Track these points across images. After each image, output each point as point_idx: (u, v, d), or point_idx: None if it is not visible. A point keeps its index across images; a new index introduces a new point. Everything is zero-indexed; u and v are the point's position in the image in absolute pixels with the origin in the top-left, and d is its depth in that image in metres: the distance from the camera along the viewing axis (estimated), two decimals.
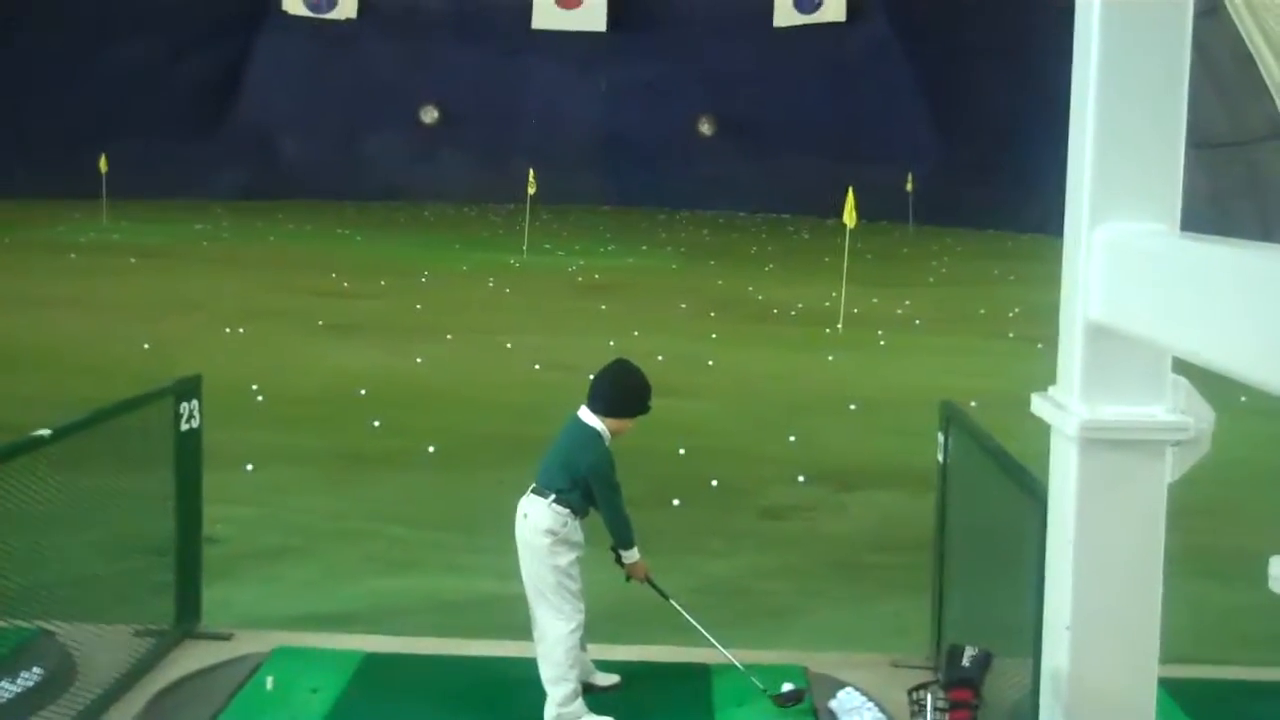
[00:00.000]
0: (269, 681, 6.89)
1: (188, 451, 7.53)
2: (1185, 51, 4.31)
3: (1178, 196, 4.31)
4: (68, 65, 40.46)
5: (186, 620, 7.55)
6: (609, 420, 6.62)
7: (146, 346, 17.09)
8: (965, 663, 4.99)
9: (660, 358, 16.01)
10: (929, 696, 4.97)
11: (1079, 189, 4.40)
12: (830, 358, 18.38)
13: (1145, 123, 4.31)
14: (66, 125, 39.38)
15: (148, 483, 7.30)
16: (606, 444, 6.61)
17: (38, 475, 6.08)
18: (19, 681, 6.59)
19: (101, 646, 6.79)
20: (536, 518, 6.50)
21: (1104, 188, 4.31)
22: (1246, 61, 24.38)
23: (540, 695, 6.65)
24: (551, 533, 6.47)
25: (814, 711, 6.83)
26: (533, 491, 6.60)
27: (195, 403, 7.56)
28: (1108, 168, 4.30)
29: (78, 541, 6.71)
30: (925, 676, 6.55)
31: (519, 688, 6.97)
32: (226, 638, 7.52)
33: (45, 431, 6.07)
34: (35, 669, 6.68)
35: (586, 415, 6.65)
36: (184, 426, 7.45)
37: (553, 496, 6.49)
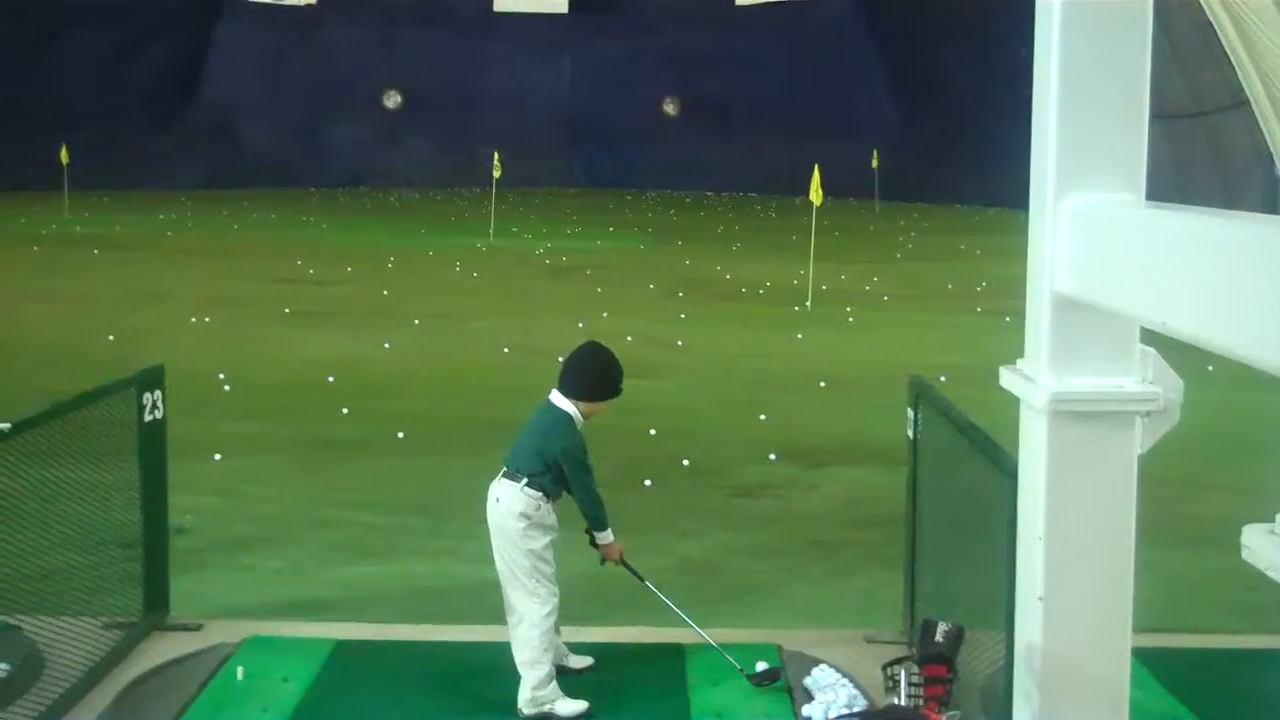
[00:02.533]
0: (240, 671, 6.84)
1: (152, 442, 7.46)
2: (1147, 23, 4.30)
3: (1142, 167, 4.31)
4: (26, 56, 40.10)
5: (155, 612, 7.48)
6: (581, 404, 6.59)
7: (111, 338, 16.96)
8: (938, 638, 4.98)
9: (629, 338, 15.97)
10: (903, 672, 4.96)
11: (1043, 161, 4.38)
12: (799, 335, 18.38)
13: (1109, 94, 4.30)
14: (25, 117, 39.03)
15: (113, 474, 7.23)
16: (579, 427, 6.58)
17: (1, 469, 6.00)
18: None
19: (69, 640, 6.71)
20: (509, 501, 6.46)
21: (1068, 159, 4.30)
22: (1207, 30, 24.44)
23: (514, 679, 6.61)
24: (525, 516, 6.43)
25: (789, 689, 6.82)
26: (504, 475, 6.55)
27: (159, 393, 7.49)
28: (1072, 139, 4.29)
29: (43, 535, 6.63)
30: (899, 651, 6.56)
31: (492, 673, 6.94)
32: (196, 628, 7.46)
33: (4, 425, 5.99)
34: (2, 664, 6.61)
35: (558, 399, 6.61)
36: (148, 417, 7.38)
37: (525, 480, 6.45)
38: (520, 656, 6.53)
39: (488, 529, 6.61)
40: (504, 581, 6.56)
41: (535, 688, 6.50)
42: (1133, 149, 4.29)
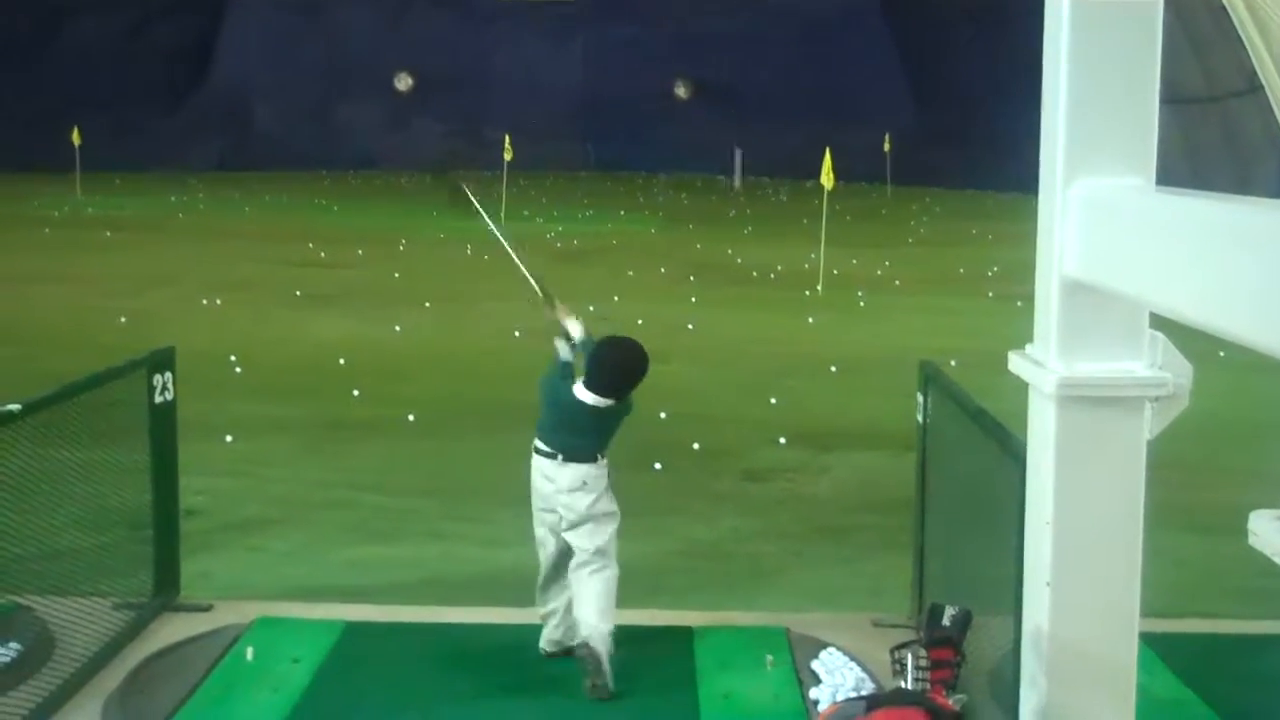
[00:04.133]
0: (249, 652, 6.86)
1: (162, 423, 7.48)
2: (1157, 7, 4.28)
3: (1152, 151, 4.29)
4: (38, 38, 40.11)
5: (165, 592, 7.51)
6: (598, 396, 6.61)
7: (123, 320, 16.99)
8: (946, 622, 4.98)
9: (640, 322, 15.96)
10: (910, 656, 4.96)
11: (1053, 145, 4.37)
12: (810, 319, 18.36)
13: (1118, 78, 4.28)
14: (38, 99, 39.07)
15: (124, 456, 7.25)
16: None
17: (11, 449, 6.03)
18: None
19: (80, 620, 6.75)
20: (565, 477, 6.59)
21: (1078, 144, 4.29)
22: (1220, 14, 24.33)
23: (524, 660, 6.67)
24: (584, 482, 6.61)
25: (797, 671, 6.83)
26: (565, 460, 6.59)
27: (169, 375, 7.50)
28: (1082, 123, 4.28)
29: (55, 515, 6.66)
30: (907, 635, 6.55)
31: (502, 654, 6.97)
32: (206, 609, 7.49)
33: (14, 406, 6.02)
34: (13, 644, 6.64)
35: (581, 393, 6.61)
36: (158, 399, 7.40)
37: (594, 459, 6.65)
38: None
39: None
40: (581, 538, 6.61)
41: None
42: (1143, 134, 4.28)
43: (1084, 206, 4.25)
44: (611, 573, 6.64)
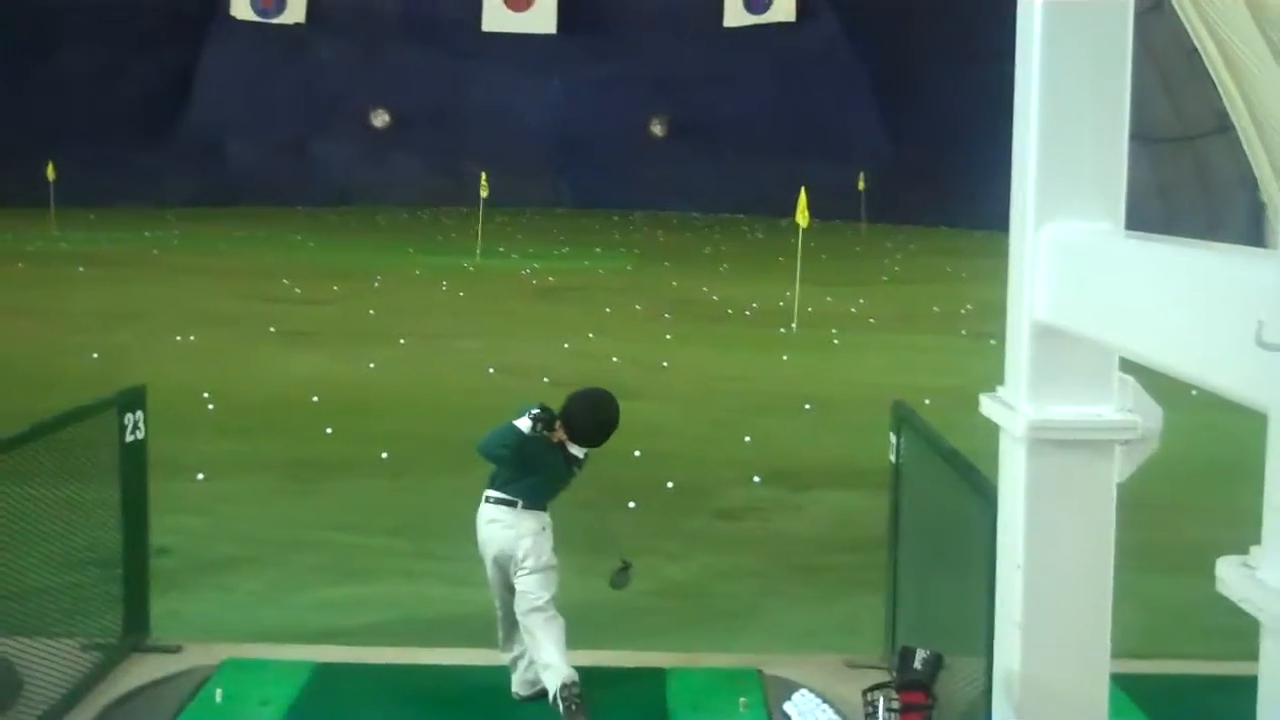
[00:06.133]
0: (218, 694, 6.81)
1: (133, 463, 7.44)
2: (1127, 52, 4.31)
3: (1122, 195, 4.32)
4: (14, 71, 40.05)
5: (135, 633, 7.46)
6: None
7: (95, 356, 16.92)
8: (917, 665, 4.99)
9: (615, 359, 15.98)
10: (882, 698, 4.96)
11: (1023, 189, 4.39)
12: (785, 357, 18.40)
13: (1088, 123, 4.31)
14: (12, 132, 38.93)
15: (94, 494, 7.21)
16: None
17: None
18: None
19: (47, 660, 6.68)
20: (526, 524, 6.66)
21: (1048, 187, 4.31)
22: (1192, 55, 24.57)
23: (496, 702, 6.63)
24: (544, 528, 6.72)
25: (769, 713, 6.81)
26: (524, 507, 6.68)
27: (140, 413, 7.47)
28: (1052, 167, 4.30)
29: (23, 555, 6.60)
30: (880, 676, 6.54)
31: (473, 696, 6.94)
32: (175, 650, 7.43)
33: None
34: None
35: (571, 446, 6.76)
36: (129, 438, 7.36)
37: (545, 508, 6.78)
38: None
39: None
40: (536, 585, 6.63)
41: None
42: (1113, 178, 4.30)
43: (1054, 250, 4.27)
44: (561, 620, 6.71)
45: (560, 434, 6.74)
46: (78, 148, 37.57)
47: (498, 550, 6.70)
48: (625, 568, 6.90)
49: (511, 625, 6.84)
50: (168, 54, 44.23)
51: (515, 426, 6.63)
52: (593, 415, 6.81)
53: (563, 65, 46.33)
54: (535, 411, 6.65)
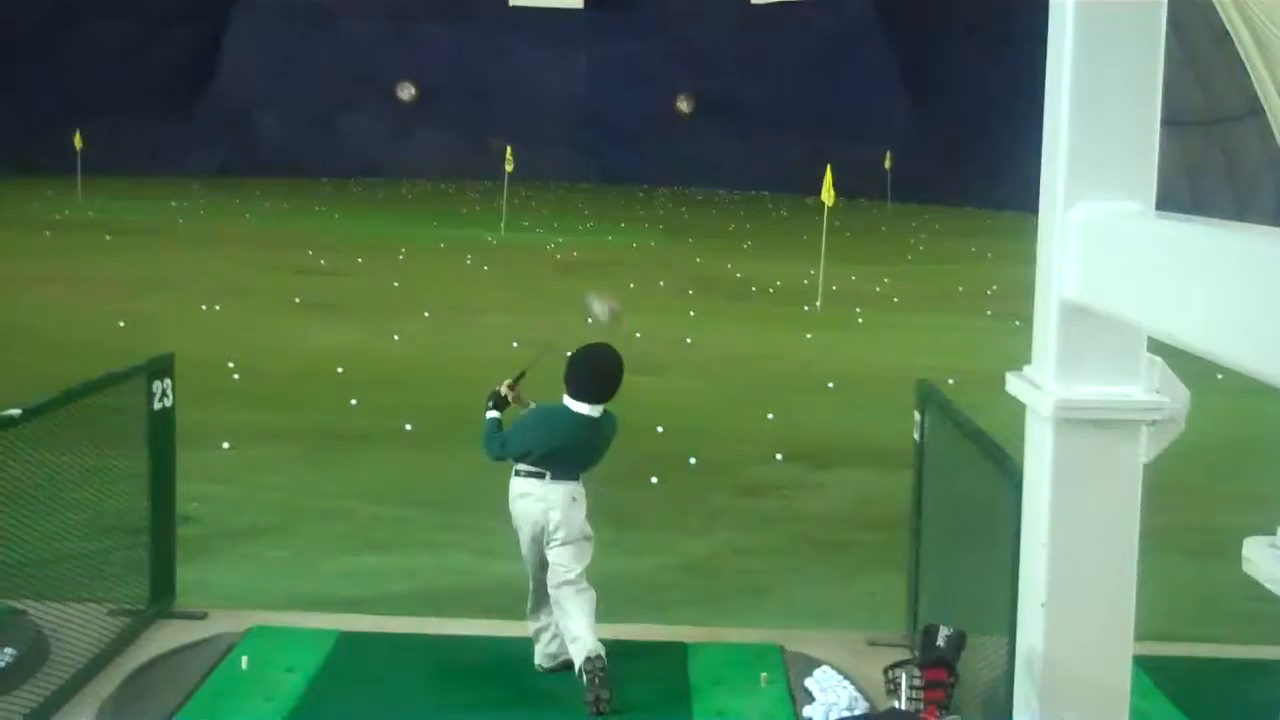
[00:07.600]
0: (244, 661, 6.86)
1: (161, 430, 7.49)
2: (1160, 31, 4.30)
3: (1153, 176, 4.31)
4: (42, 42, 40.15)
5: (161, 599, 7.51)
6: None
7: (122, 324, 17.00)
8: (940, 642, 4.99)
9: (638, 335, 15.97)
10: (904, 675, 4.97)
11: (1054, 169, 4.39)
12: (808, 335, 18.37)
13: (1120, 102, 4.30)
14: (40, 102, 39.09)
15: (122, 461, 7.26)
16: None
17: (10, 454, 6.03)
18: None
19: (75, 626, 6.75)
20: (556, 495, 6.68)
21: (1079, 167, 4.30)
22: (1223, 38, 24.39)
23: (517, 671, 6.67)
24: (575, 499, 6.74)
25: (791, 689, 6.83)
26: (553, 478, 6.67)
27: (168, 381, 7.51)
28: (1082, 147, 4.29)
29: (52, 520, 6.66)
30: (901, 654, 6.56)
31: (495, 666, 6.98)
32: (201, 617, 7.49)
33: (15, 411, 6.02)
34: (7, 649, 6.65)
35: (574, 404, 6.68)
36: (157, 405, 7.41)
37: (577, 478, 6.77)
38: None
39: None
40: (568, 557, 6.65)
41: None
42: (1143, 158, 4.29)
43: (1084, 230, 4.26)
44: (592, 593, 6.72)
45: (518, 393, 6.98)
46: (106, 117, 37.71)
47: (530, 523, 6.71)
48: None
49: (542, 596, 6.86)
50: (196, 25, 44.26)
51: (489, 420, 6.90)
52: (589, 364, 6.76)
53: (589, 41, 46.25)
54: (490, 402, 6.94)
